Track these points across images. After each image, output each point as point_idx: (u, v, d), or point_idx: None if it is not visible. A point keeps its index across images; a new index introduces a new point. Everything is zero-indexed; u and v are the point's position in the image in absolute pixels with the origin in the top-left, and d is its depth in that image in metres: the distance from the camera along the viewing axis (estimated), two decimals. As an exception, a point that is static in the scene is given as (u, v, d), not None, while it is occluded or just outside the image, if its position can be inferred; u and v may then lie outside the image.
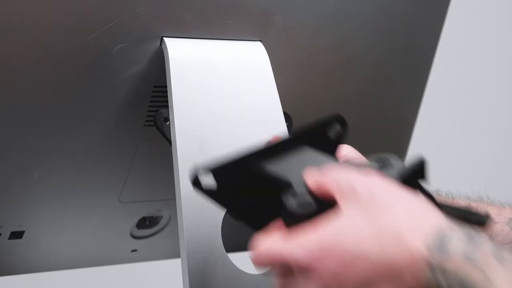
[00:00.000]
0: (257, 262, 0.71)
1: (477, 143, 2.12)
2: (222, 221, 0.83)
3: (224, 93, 0.88)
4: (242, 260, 0.89)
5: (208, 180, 0.70)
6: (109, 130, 0.88)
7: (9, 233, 0.92)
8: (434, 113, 2.01)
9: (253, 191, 0.72)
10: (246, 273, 0.84)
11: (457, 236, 0.63)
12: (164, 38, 0.86)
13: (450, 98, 2.12)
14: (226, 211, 0.77)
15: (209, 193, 0.70)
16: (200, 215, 0.82)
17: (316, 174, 0.71)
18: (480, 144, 2.13)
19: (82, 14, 0.81)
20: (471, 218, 0.72)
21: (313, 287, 0.68)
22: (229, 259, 0.83)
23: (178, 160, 0.83)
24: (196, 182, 0.70)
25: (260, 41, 0.92)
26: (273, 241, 0.70)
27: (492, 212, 0.89)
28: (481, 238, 0.63)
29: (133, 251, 1.05)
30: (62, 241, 0.98)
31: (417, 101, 1.12)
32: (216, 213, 0.83)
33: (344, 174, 0.70)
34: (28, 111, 0.83)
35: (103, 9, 0.81)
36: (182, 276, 0.81)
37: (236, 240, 0.99)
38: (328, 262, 0.67)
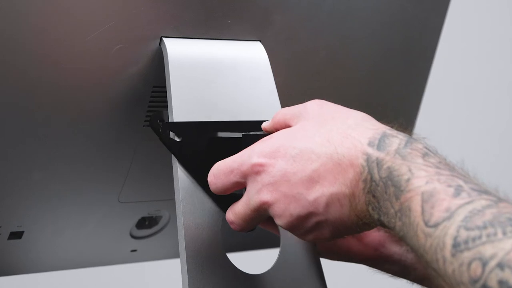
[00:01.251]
0: (214, 179, 0.78)
1: (477, 143, 2.12)
2: (222, 221, 0.83)
3: (224, 93, 0.88)
4: (242, 260, 0.89)
5: (173, 135, 0.82)
6: (108, 130, 0.88)
7: (9, 233, 0.92)
8: (435, 113, 2.01)
9: (212, 155, 0.82)
10: (246, 273, 0.84)
11: (395, 137, 0.69)
12: (164, 38, 0.86)
13: (451, 97, 2.12)
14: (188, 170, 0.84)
15: (172, 144, 0.82)
16: (199, 215, 0.82)
17: (268, 121, 0.80)
18: (480, 144, 2.12)
19: (81, 14, 0.81)
20: None
21: (262, 187, 0.74)
22: (228, 259, 0.83)
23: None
24: (162, 134, 0.82)
25: (260, 41, 0.92)
26: (227, 158, 0.77)
27: None
28: (415, 140, 0.69)
29: (132, 251, 1.05)
30: (62, 242, 0.98)
31: (417, 101, 1.12)
32: (216, 213, 0.83)
33: (294, 106, 0.78)
34: (27, 111, 0.83)
35: (102, 9, 0.81)
36: (182, 276, 0.81)
37: (236, 240, 0.99)
38: (276, 159, 0.73)
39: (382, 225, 0.69)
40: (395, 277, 0.92)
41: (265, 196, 0.74)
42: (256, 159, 0.74)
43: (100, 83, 0.85)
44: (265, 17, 0.91)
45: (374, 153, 0.69)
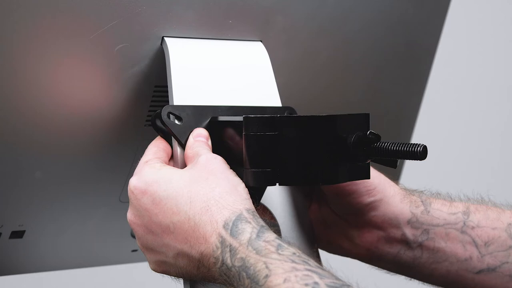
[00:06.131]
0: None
1: (477, 144, 2.12)
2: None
3: (225, 93, 0.88)
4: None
5: (173, 118, 0.83)
6: (110, 129, 0.88)
7: (10, 233, 0.92)
8: (435, 114, 2.01)
9: (213, 140, 0.83)
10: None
11: (248, 223, 0.73)
12: (165, 38, 0.86)
13: (451, 98, 2.12)
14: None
15: (174, 127, 0.82)
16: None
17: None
18: (480, 145, 2.13)
19: (83, 14, 0.81)
20: (408, 149, 0.78)
21: (130, 206, 0.79)
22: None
23: (179, 159, 0.83)
24: (162, 118, 0.82)
25: (261, 41, 0.92)
26: None
27: (491, 216, 0.88)
28: (267, 230, 0.72)
29: (133, 251, 1.05)
30: (63, 241, 0.98)
31: (417, 102, 1.12)
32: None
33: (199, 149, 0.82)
34: (28, 111, 0.83)
35: (104, 9, 0.81)
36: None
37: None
38: (147, 191, 0.77)
39: None
40: (391, 273, 0.92)
41: (129, 215, 0.80)
42: (134, 182, 0.79)
43: (102, 83, 0.85)
44: (266, 18, 0.91)
45: (228, 238, 0.72)
